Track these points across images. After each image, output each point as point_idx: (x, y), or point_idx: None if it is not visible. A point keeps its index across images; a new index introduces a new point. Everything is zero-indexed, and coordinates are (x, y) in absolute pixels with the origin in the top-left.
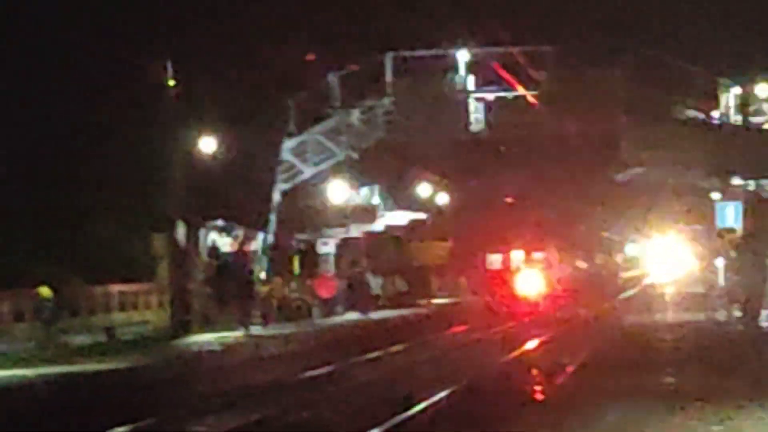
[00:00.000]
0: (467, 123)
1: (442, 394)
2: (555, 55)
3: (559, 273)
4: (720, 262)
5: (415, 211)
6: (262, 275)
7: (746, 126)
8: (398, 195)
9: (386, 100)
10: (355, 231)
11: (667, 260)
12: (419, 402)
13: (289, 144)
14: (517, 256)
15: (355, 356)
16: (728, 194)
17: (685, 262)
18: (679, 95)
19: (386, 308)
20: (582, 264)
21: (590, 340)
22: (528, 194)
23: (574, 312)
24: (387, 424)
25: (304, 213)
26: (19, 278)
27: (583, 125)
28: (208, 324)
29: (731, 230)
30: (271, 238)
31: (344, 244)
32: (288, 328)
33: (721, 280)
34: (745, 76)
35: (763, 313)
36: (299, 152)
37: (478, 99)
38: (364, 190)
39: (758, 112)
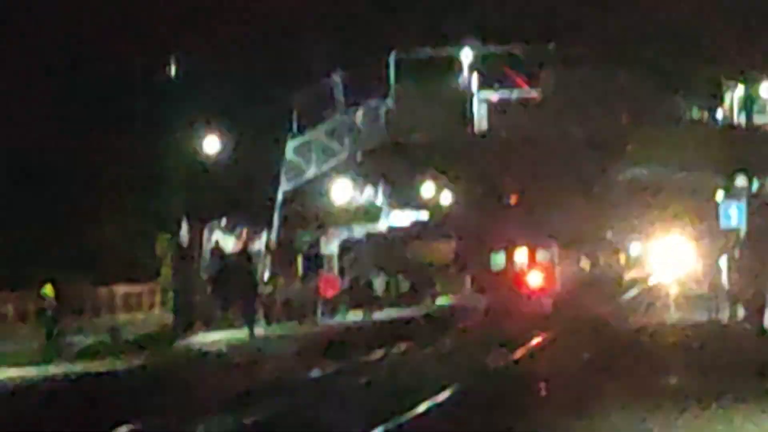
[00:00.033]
0: (470, 123)
1: (446, 394)
2: (558, 55)
3: (562, 272)
4: (723, 263)
5: (418, 211)
6: (266, 275)
7: (750, 125)
8: (401, 195)
9: (389, 100)
10: (359, 231)
11: (670, 260)
12: (420, 403)
13: (292, 144)
14: (520, 255)
15: (359, 356)
16: (732, 194)
17: (689, 262)
18: (683, 95)
19: (389, 308)
20: (585, 264)
21: (593, 340)
22: (531, 194)
23: (577, 312)
24: (389, 424)
25: (307, 213)
26: (23, 279)
27: (587, 125)
28: (211, 324)
29: (735, 230)
30: (274, 238)
31: (348, 244)
32: (291, 328)
33: (724, 281)
34: (749, 76)
35: (767, 313)
36: (303, 152)
37: (481, 99)
38: (368, 190)
39: (762, 112)
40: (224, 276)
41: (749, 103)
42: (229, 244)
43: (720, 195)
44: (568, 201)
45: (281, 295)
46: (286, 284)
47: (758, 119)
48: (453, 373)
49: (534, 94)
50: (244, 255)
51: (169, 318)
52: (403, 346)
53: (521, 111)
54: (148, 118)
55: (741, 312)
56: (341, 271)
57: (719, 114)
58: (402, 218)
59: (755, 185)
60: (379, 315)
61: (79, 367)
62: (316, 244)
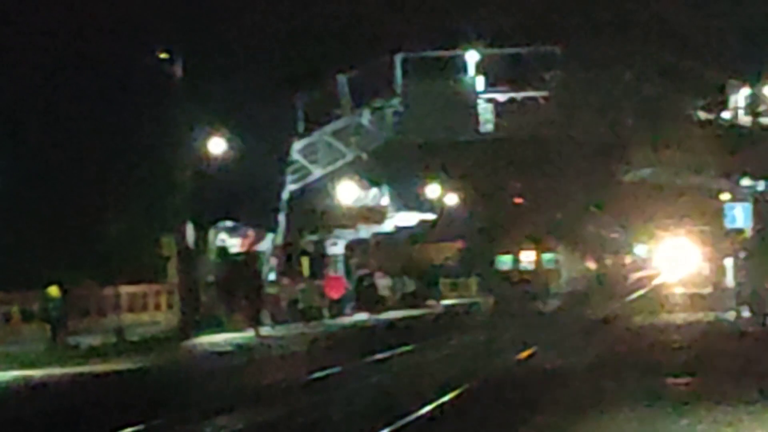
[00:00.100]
0: (476, 124)
1: (449, 396)
2: (564, 56)
3: (569, 273)
4: (729, 263)
5: (424, 212)
6: (271, 276)
7: (755, 126)
8: (407, 196)
9: (395, 101)
10: (365, 232)
11: (675, 261)
12: (427, 404)
13: (298, 145)
14: (527, 256)
15: (365, 357)
16: (737, 195)
17: (694, 262)
18: (688, 96)
19: (395, 309)
20: (591, 264)
21: (600, 341)
22: (537, 195)
23: (584, 312)
24: (396, 425)
25: (313, 214)
26: (28, 279)
27: (592, 126)
28: (217, 325)
29: (740, 231)
30: (280, 239)
31: (353, 245)
32: (297, 329)
33: (730, 281)
34: (754, 77)
35: None
36: (308, 153)
37: (487, 100)
38: (374, 191)
39: (767, 113)
40: (230, 277)
41: (755, 104)
42: (235, 244)
43: (725, 196)
44: (574, 202)
45: (287, 295)
46: (292, 285)
47: (764, 120)
48: (459, 374)
49: (540, 95)
50: (250, 256)
51: (174, 319)
52: (409, 346)
53: (527, 112)
54: (153, 119)
55: (746, 312)
56: (347, 272)
57: (725, 115)
58: (407, 219)
59: (760, 186)
60: (385, 315)
61: (84, 368)
62: (321, 244)
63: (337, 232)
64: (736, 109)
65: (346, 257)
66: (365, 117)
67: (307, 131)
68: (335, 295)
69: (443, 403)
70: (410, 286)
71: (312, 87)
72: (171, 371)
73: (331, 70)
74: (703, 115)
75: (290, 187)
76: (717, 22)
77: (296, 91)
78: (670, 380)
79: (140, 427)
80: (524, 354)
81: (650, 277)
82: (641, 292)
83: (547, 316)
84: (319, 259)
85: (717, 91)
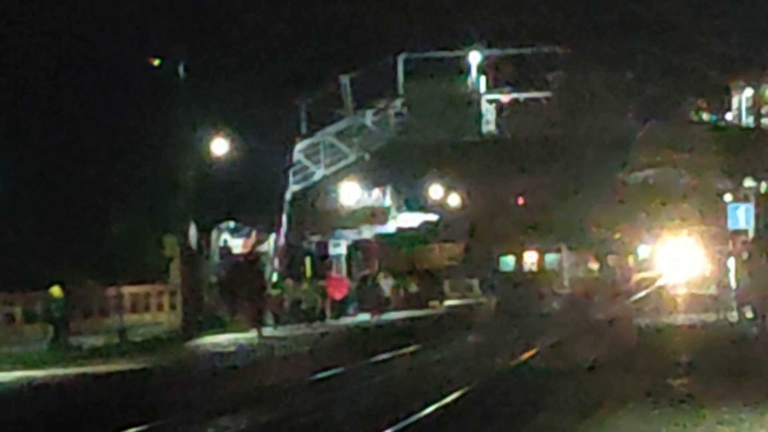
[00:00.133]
0: (479, 124)
1: (452, 396)
2: (567, 57)
3: (571, 274)
4: (732, 264)
5: (426, 213)
6: (274, 277)
7: (758, 127)
8: (410, 196)
9: (398, 102)
10: (367, 232)
11: (678, 262)
12: (430, 405)
13: (300, 146)
14: (529, 257)
15: (368, 357)
16: (740, 195)
17: (697, 263)
18: (691, 97)
19: (397, 310)
20: (594, 265)
21: (602, 342)
22: (540, 196)
23: (585, 312)
24: (399, 425)
25: (315, 214)
26: (31, 280)
27: (595, 126)
28: (220, 325)
29: (743, 232)
30: (282, 240)
31: (356, 246)
32: (299, 330)
33: (732, 282)
34: (757, 78)
35: None
36: (311, 154)
37: (489, 100)
38: (376, 192)
39: None
40: (232, 277)
41: (757, 105)
42: (238, 245)
43: (728, 196)
44: (577, 202)
45: (289, 296)
46: (295, 285)
47: (766, 121)
48: (462, 375)
49: (543, 95)
50: (253, 256)
51: (177, 319)
52: (411, 347)
53: (530, 113)
54: (156, 119)
55: (749, 313)
56: (349, 273)
57: (728, 116)
58: (410, 219)
59: (763, 187)
60: (387, 316)
61: (87, 369)
62: (324, 245)
63: (339, 232)
64: (739, 109)
65: (349, 258)
66: (368, 118)
67: (310, 132)
68: (338, 295)
69: (446, 404)
70: (413, 286)
71: (315, 88)
72: (174, 372)
73: (334, 70)
74: (706, 115)
75: (293, 188)
76: (720, 23)
77: (299, 91)
78: (672, 381)
79: (143, 427)
80: (527, 354)
81: (653, 278)
82: (644, 293)
83: (550, 316)
84: (322, 260)
85: (720, 92)
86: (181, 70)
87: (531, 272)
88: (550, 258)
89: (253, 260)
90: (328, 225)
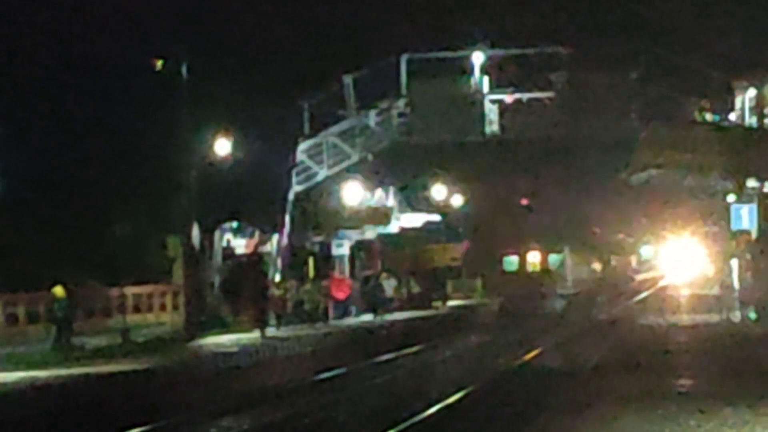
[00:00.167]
0: (482, 125)
1: (456, 396)
2: (570, 57)
3: (574, 274)
4: (735, 264)
5: (429, 213)
6: (277, 277)
7: (761, 128)
8: (413, 197)
9: (401, 102)
10: (370, 233)
11: (681, 262)
12: (433, 405)
13: (303, 146)
14: (533, 257)
15: (370, 358)
16: (743, 196)
17: (700, 264)
18: (694, 97)
19: (400, 310)
20: (597, 266)
21: (605, 342)
22: (543, 196)
23: (589, 313)
24: (401, 426)
25: (318, 215)
26: (34, 280)
27: (598, 127)
28: (222, 326)
29: (746, 232)
30: (285, 240)
31: (359, 246)
32: (302, 330)
33: (735, 282)
34: (760, 78)
35: None
36: (314, 154)
37: (492, 101)
38: (379, 192)
39: None
40: (235, 278)
41: (760, 105)
42: (240, 245)
43: (731, 197)
44: (580, 203)
45: (292, 296)
46: (297, 286)
47: None
48: (465, 375)
49: (546, 95)
50: (255, 257)
51: (180, 320)
52: (414, 347)
53: (533, 113)
54: (159, 120)
55: (752, 313)
56: (352, 273)
57: (731, 116)
58: (413, 220)
59: (766, 187)
60: (390, 316)
61: (90, 369)
62: (327, 245)
63: (342, 233)
64: (742, 110)
65: (352, 258)
66: (371, 118)
67: (313, 132)
68: (341, 296)
69: (449, 404)
70: (416, 287)
71: (318, 88)
72: (177, 372)
73: (337, 71)
74: (709, 116)
75: (296, 188)
76: (723, 23)
77: (302, 92)
78: (675, 381)
79: (147, 428)
80: (530, 355)
81: (656, 278)
82: (647, 293)
83: (553, 317)
84: (325, 260)
85: (723, 93)
86: (183, 70)
87: (534, 272)
88: (554, 258)
89: (255, 261)
90: (331, 225)
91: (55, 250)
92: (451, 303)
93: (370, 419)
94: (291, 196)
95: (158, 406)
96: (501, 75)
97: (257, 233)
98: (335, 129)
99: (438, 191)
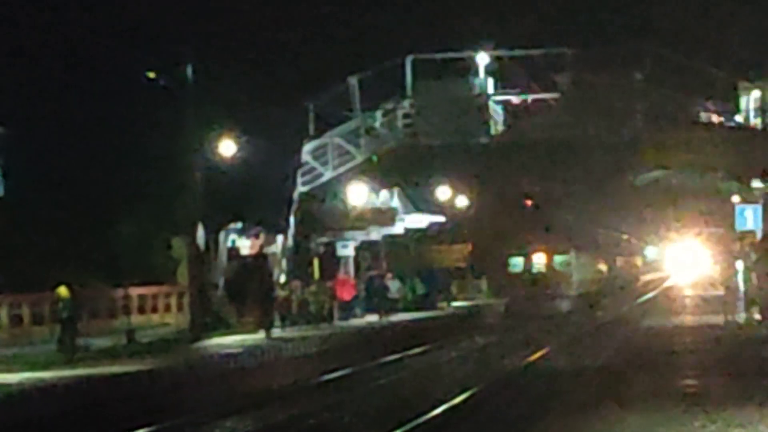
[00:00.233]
0: (487, 126)
1: (462, 397)
2: (575, 58)
3: (580, 275)
4: (740, 265)
5: (434, 214)
6: (282, 278)
7: (766, 129)
8: (418, 197)
9: (406, 103)
10: (375, 234)
11: (686, 263)
12: (438, 406)
13: (308, 147)
14: (538, 258)
15: (376, 359)
16: (748, 197)
17: (705, 264)
18: (699, 98)
19: (405, 311)
20: (603, 267)
21: (610, 343)
22: (548, 197)
23: (595, 314)
24: (407, 426)
25: (323, 216)
26: (39, 281)
27: (603, 128)
28: (227, 327)
29: (751, 233)
30: (290, 241)
31: (364, 247)
32: (307, 331)
33: (740, 283)
34: (764, 79)
35: None
36: (319, 155)
37: (497, 102)
38: (384, 193)
39: None
40: (240, 279)
41: (765, 106)
42: (245, 246)
43: (736, 198)
44: (585, 204)
45: (297, 297)
46: (302, 287)
47: None
48: (470, 376)
49: (550, 97)
50: (261, 257)
51: (185, 320)
52: (419, 348)
53: (538, 114)
54: (164, 121)
55: (757, 314)
56: (357, 274)
57: (735, 117)
58: (418, 220)
59: None
60: (395, 317)
61: (95, 370)
62: (332, 246)
63: (347, 233)
64: (746, 111)
65: (357, 259)
66: (376, 119)
67: (318, 133)
68: (346, 296)
69: (454, 405)
70: (420, 288)
71: (323, 89)
72: (182, 373)
73: (342, 72)
74: (714, 117)
75: (301, 189)
76: (727, 24)
77: (307, 93)
78: (680, 382)
79: (152, 428)
80: (535, 355)
81: (661, 279)
82: (652, 294)
83: (559, 317)
84: (330, 261)
85: (728, 94)
86: (189, 71)
87: (540, 273)
88: (559, 259)
89: (261, 261)
90: (335, 226)
91: (59, 251)
92: (455, 304)
93: (376, 420)
94: (296, 196)
95: (163, 407)
96: (506, 76)
97: (262, 234)
98: (340, 130)
99: (443, 192)
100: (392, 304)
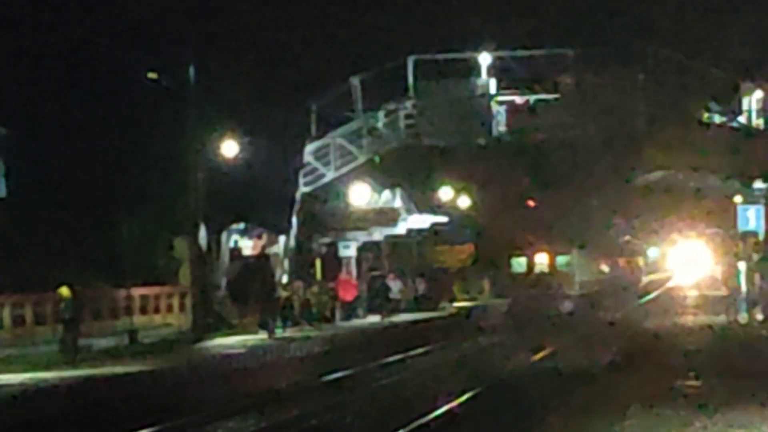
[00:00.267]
0: (489, 126)
1: (464, 398)
2: (576, 59)
3: (582, 276)
4: (742, 266)
5: (436, 214)
6: (284, 278)
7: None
8: (420, 198)
9: (408, 104)
10: (377, 234)
11: (688, 263)
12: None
13: (311, 147)
14: (541, 258)
15: (378, 359)
16: (750, 197)
17: (707, 265)
18: (701, 98)
19: (407, 311)
20: (605, 267)
21: (612, 344)
22: (550, 197)
23: (597, 314)
24: (410, 427)
25: (325, 216)
26: (41, 282)
27: (605, 128)
28: (229, 327)
29: (753, 233)
30: (292, 241)
31: (366, 248)
32: (309, 331)
33: (742, 283)
34: (766, 79)
35: None
36: (321, 155)
37: (499, 102)
38: (386, 193)
39: None
40: (242, 279)
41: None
42: (248, 247)
43: (738, 198)
44: (588, 204)
45: (299, 298)
46: (304, 287)
47: None
48: (472, 376)
49: (552, 97)
50: (263, 258)
51: (187, 321)
52: (422, 348)
53: (539, 114)
54: (166, 121)
55: (759, 314)
56: (359, 274)
57: (738, 118)
58: (420, 221)
59: None
60: (397, 318)
61: (98, 370)
62: (334, 246)
63: (349, 234)
64: (749, 111)
65: (359, 259)
66: (378, 119)
67: (320, 134)
68: (348, 297)
69: (458, 405)
70: (423, 288)
71: (325, 89)
72: (184, 373)
73: (344, 72)
74: (716, 117)
75: (303, 190)
76: (730, 24)
77: (309, 93)
78: (683, 382)
79: (155, 429)
80: (538, 356)
81: (663, 280)
82: (654, 294)
83: (561, 318)
84: (332, 262)
85: (730, 94)
86: (191, 72)
87: (542, 274)
88: (562, 260)
89: (263, 262)
90: (338, 226)
91: (61, 252)
92: (458, 304)
93: (378, 420)
94: (298, 197)
95: (166, 407)
96: (508, 76)
97: (264, 234)
98: (342, 130)
99: (445, 192)
100: (394, 304)
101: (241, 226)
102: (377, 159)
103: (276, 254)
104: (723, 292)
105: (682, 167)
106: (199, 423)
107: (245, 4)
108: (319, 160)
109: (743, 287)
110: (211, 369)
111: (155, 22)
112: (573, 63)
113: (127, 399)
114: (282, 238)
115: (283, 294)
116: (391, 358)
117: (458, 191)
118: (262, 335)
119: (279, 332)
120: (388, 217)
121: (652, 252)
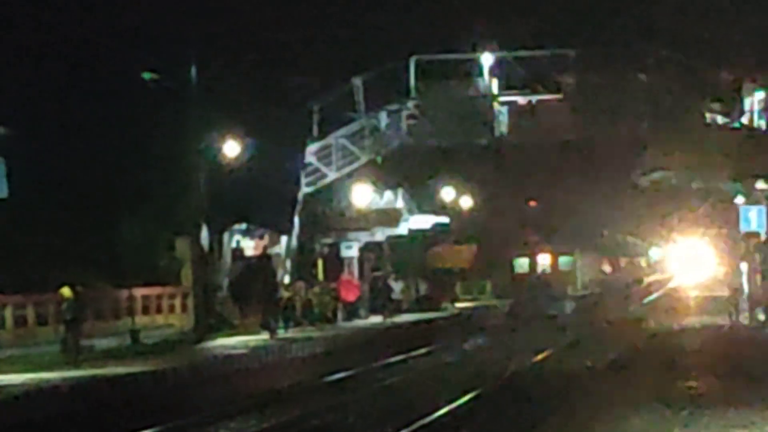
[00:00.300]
0: (491, 126)
1: (466, 398)
2: (579, 59)
3: (585, 276)
4: (744, 266)
5: (438, 215)
6: (286, 279)
7: None
8: (422, 198)
9: (410, 104)
10: (379, 234)
11: (691, 264)
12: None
13: (312, 148)
14: (543, 259)
15: (380, 359)
16: (752, 198)
17: (709, 265)
18: (703, 99)
19: (409, 312)
20: (607, 267)
21: (614, 344)
22: (552, 198)
23: (599, 315)
24: (411, 427)
25: (327, 217)
26: (43, 282)
27: (607, 129)
28: (231, 327)
29: (755, 234)
30: (294, 242)
31: (368, 248)
32: (311, 332)
33: (744, 284)
34: None
35: None
36: (323, 156)
37: (501, 103)
38: (388, 194)
39: None
40: (244, 279)
41: None
42: (249, 247)
43: (740, 199)
44: (590, 205)
45: (301, 298)
46: (306, 288)
47: None
48: (474, 377)
49: (554, 98)
50: (265, 258)
51: (189, 321)
52: (424, 349)
53: (542, 115)
54: (168, 122)
55: (761, 315)
56: (361, 275)
57: (740, 119)
58: (422, 221)
59: None
60: (399, 318)
61: (100, 371)
62: (336, 247)
63: (351, 234)
64: (751, 112)
65: (361, 260)
66: (380, 120)
67: (322, 134)
68: (350, 297)
69: (459, 406)
70: (425, 289)
71: (327, 90)
72: (186, 374)
73: (346, 73)
74: (718, 118)
75: (305, 190)
76: (732, 25)
77: (311, 94)
78: (684, 383)
79: (157, 429)
80: (540, 356)
81: (665, 280)
82: (656, 294)
83: (563, 318)
84: (334, 262)
85: (732, 95)
86: (193, 72)
87: (545, 274)
88: (564, 260)
89: (265, 262)
90: (340, 227)
91: (63, 252)
92: (460, 305)
93: (380, 421)
94: (300, 197)
95: (168, 407)
96: (510, 77)
97: (266, 235)
98: (344, 131)
99: (447, 193)
100: (396, 305)
101: (243, 226)
102: (379, 159)
103: (278, 255)
104: (725, 292)
105: (684, 168)
106: (201, 423)
107: (246, 4)
108: (321, 160)
109: (745, 288)
110: (213, 369)
111: (156, 22)
112: (574, 63)
113: (129, 399)
114: (284, 239)
115: (285, 294)
116: (393, 359)
117: (460, 192)
118: (264, 336)
119: (281, 333)
120: (390, 217)
121: (654, 252)
